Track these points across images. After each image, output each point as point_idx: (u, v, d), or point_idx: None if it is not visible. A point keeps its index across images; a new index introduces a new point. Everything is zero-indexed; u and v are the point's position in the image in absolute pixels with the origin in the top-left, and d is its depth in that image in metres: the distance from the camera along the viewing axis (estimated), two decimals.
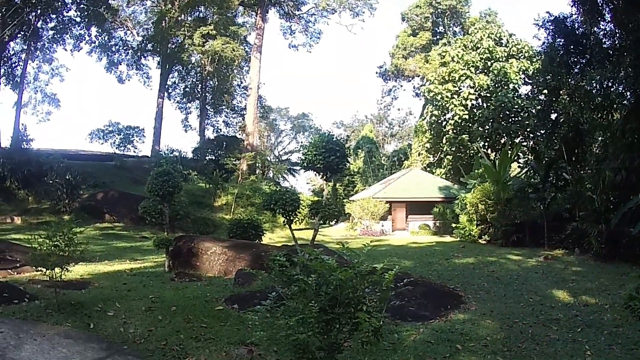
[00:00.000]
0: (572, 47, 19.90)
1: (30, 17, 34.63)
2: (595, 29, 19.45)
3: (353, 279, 3.96)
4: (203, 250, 11.54)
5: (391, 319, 7.86)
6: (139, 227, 25.15)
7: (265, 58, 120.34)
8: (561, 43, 20.33)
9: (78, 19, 40.24)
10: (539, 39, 23.13)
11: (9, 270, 10.92)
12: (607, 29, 19.51)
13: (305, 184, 77.12)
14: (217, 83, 50.18)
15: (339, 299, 3.83)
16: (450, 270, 13.58)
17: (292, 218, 9.67)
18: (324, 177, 9.78)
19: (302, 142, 67.56)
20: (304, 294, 4.01)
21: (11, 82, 37.09)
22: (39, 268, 7.85)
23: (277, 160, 66.61)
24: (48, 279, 8.00)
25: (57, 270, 7.69)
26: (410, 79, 60.32)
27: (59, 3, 36.54)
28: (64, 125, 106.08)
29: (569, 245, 17.56)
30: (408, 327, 7.66)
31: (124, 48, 48.90)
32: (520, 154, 29.96)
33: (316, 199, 40.82)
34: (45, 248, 7.56)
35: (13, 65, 37.26)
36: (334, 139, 9.50)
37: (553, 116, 22.62)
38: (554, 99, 21.19)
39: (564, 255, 16.60)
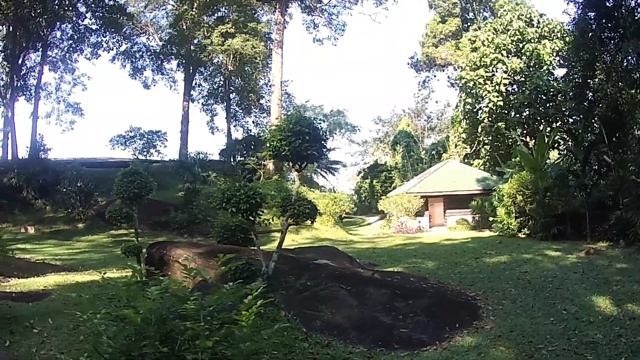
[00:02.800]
0: (604, 20, 18.49)
1: (42, 27, 34.40)
2: None
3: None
4: (174, 258, 10.06)
5: (367, 349, 6.06)
6: (155, 233, 24.29)
7: (295, 55, 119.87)
8: (592, 16, 18.90)
9: (94, 27, 40.01)
10: (569, 14, 21.60)
11: None
12: None
13: (346, 182, 75.70)
14: (241, 82, 49.13)
15: None
16: (477, 272, 12.01)
17: (251, 219, 8.04)
18: (296, 168, 8.07)
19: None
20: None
21: (25, 93, 37.13)
22: None
23: None
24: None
25: None
26: (443, 68, 57.73)
27: (73, 12, 36.34)
28: (92, 133, 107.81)
29: (614, 237, 15.92)
30: None
31: (147, 54, 48.80)
32: (561, 140, 27.90)
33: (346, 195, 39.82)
34: None
35: (24, 76, 37.18)
36: (305, 120, 7.73)
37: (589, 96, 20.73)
38: (589, 74, 19.35)
39: (608, 249, 14.82)
